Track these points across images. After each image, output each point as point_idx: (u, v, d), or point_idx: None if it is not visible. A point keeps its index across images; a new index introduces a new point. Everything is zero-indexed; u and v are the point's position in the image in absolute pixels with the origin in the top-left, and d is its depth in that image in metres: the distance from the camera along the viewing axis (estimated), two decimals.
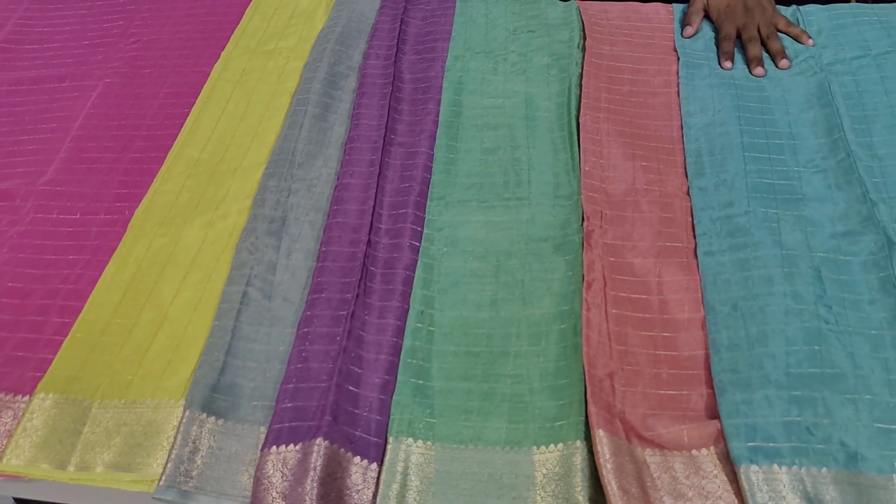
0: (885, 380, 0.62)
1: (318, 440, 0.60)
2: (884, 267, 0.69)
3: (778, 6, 1.00)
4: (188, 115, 0.94)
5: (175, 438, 0.62)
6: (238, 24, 1.07)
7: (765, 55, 0.95)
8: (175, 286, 0.75)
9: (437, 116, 0.89)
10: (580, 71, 0.93)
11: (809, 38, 0.96)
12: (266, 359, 0.69)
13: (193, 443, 0.62)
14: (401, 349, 0.68)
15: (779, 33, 0.97)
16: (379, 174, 0.83)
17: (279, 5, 1.10)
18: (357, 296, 0.71)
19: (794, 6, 1.02)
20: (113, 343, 0.71)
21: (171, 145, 0.90)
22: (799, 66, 0.92)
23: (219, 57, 1.02)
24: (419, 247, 0.76)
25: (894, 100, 0.85)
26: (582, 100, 0.89)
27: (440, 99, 0.92)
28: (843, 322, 0.66)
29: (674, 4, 1.04)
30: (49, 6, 1.13)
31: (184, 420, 0.63)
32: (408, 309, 0.71)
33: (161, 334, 0.71)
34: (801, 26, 0.98)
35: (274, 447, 0.61)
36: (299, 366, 0.66)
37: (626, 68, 0.94)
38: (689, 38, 0.98)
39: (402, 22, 1.03)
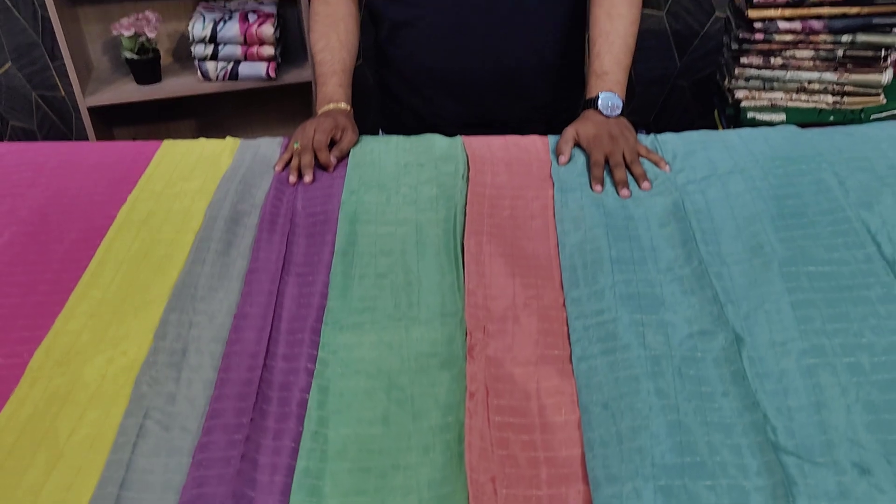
0: (738, 464, 0.67)
1: None
2: (733, 361, 0.76)
3: (639, 135, 1.13)
4: (93, 257, 0.97)
5: None
6: (146, 170, 1.13)
7: (629, 178, 1.06)
8: (72, 424, 0.76)
9: (334, 246, 0.96)
10: (465, 199, 1.02)
11: (667, 163, 1.08)
12: (162, 489, 0.70)
13: None
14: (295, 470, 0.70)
15: (640, 158, 1.09)
16: (277, 303, 0.88)
17: (186, 150, 1.17)
18: (252, 420, 0.74)
19: (652, 134, 1.15)
20: (4, 485, 0.71)
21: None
22: (658, 187, 1.04)
23: (126, 201, 1.07)
24: (314, 369, 0.80)
25: (738, 213, 0.96)
26: (466, 225, 0.97)
27: (336, 230, 0.98)
28: (701, 414, 0.72)
29: (549, 136, 1.16)
30: None
31: None
32: (302, 430, 0.74)
33: (55, 473, 0.72)
34: (659, 152, 1.11)
35: None
36: (194, 492, 0.68)
37: (506, 195, 1.04)
38: (564, 165, 1.09)
39: None
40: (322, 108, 1.20)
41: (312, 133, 1.12)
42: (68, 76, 1.93)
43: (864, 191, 0.97)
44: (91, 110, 1.99)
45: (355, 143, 1.15)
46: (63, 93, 2.23)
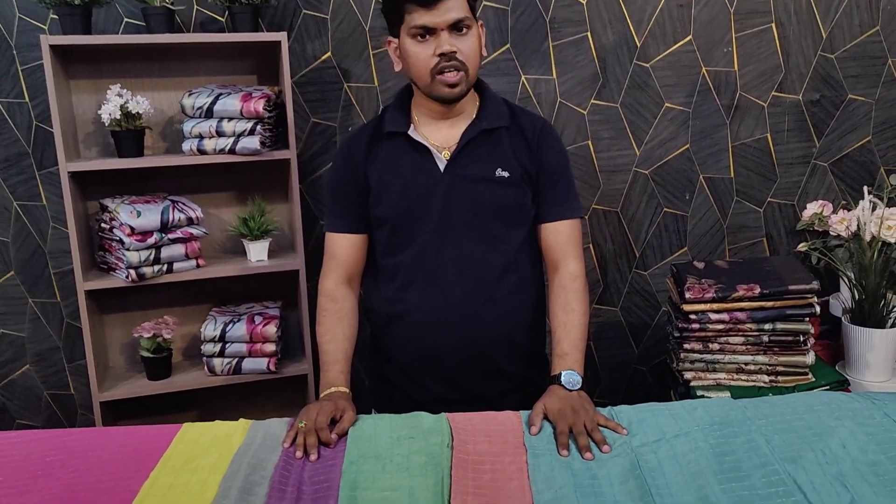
0: None
1: None
2: None
3: (598, 408, 1.32)
4: None
5: None
6: (167, 449, 1.28)
7: (591, 443, 1.22)
8: None
9: None
10: (450, 465, 1.17)
11: (623, 429, 1.26)
12: None
13: None
14: None
15: (600, 427, 1.27)
16: None
17: (203, 431, 1.32)
18: None
19: (609, 406, 1.34)
20: None
21: None
22: (616, 450, 1.20)
23: (148, 477, 1.20)
24: None
25: (685, 469, 1.12)
26: (452, 487, 1.11)
27: (338, 496, 1.11)
28: None
29: (521, 411, 1.35)
30: None
31: None
32: None
33: None
34: (616, 420, 1.29)
35: None
36: None
37: (486, 461, 1.19)
38: (535, 435, 1.26)
39: None
40: (325, 392, 1.39)
41: (315, 415, 1.29)
42: (81, 375, 2.10)
43: (787, 448, 1.14)
44: (102, 405, 2.15)
45: (354, 422, 1.32)
46: (73, 390, 2.40)
